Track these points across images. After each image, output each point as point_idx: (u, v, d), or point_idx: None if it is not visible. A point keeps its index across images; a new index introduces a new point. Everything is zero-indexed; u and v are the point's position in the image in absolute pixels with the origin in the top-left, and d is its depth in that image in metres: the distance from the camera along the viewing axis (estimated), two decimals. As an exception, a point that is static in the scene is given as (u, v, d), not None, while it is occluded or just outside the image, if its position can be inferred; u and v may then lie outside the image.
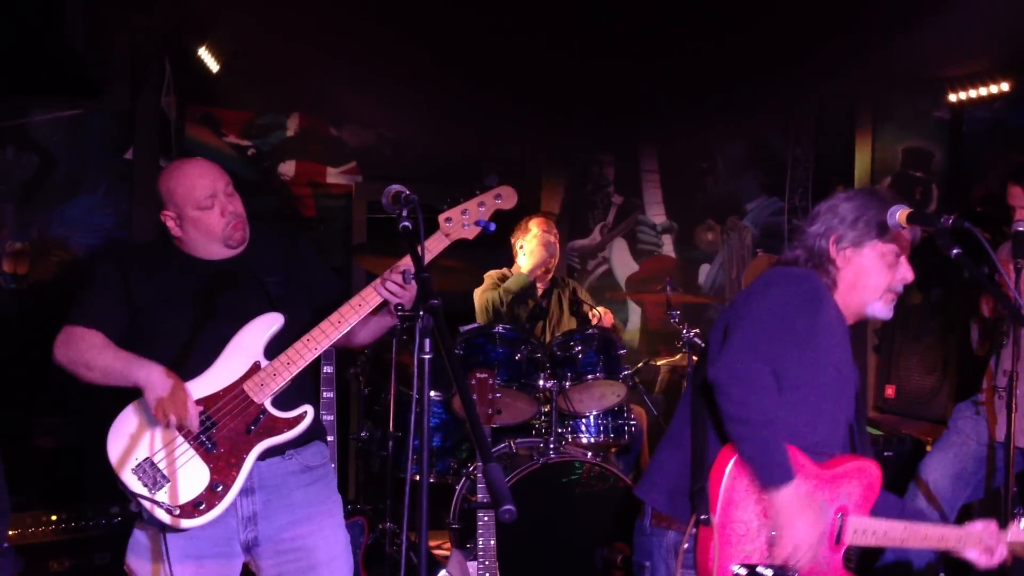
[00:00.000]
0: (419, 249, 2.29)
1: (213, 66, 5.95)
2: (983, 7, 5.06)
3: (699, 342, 4.77)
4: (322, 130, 6.75)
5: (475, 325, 4.71)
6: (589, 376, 4.49)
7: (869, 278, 2.62)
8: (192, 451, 2.66)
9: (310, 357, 2.75)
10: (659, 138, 7.21)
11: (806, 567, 2.44)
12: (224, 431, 2.69)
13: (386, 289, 2.71)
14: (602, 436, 4.66)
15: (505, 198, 2.85)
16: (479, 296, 5.22)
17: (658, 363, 5.92)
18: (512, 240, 5.38)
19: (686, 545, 2.47)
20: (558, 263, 5.44)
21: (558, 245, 5.37)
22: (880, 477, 2.62)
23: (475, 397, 3.80)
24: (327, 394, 3.93)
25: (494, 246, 5.00)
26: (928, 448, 4.39)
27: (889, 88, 6.46)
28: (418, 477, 2.13)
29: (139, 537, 2.78)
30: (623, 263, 7.23)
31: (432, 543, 4.90)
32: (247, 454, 2.70)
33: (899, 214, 2.57)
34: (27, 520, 4.04)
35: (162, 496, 2.62)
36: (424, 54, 5.57)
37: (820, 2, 5.15)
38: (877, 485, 2.61)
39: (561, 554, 4.12)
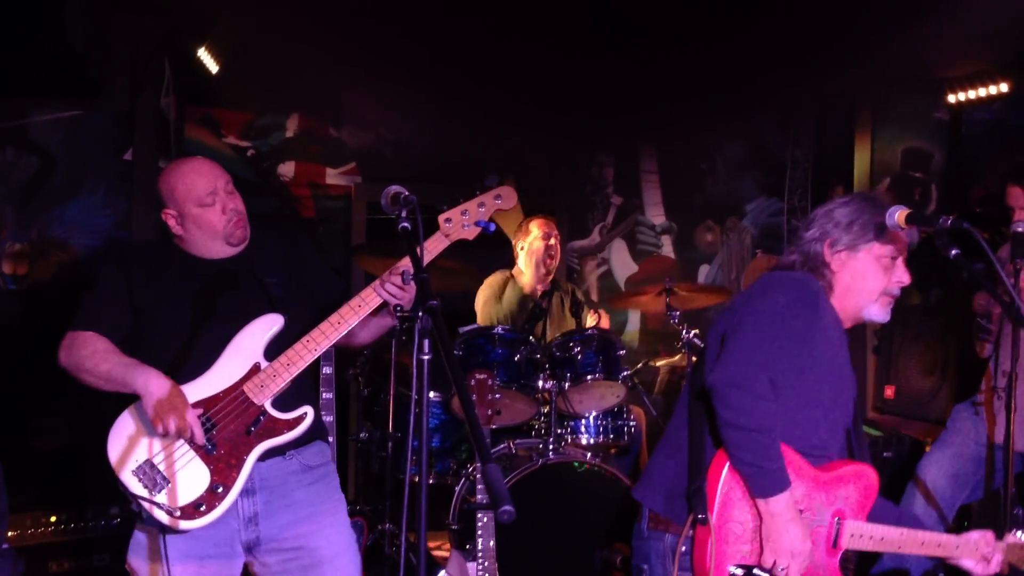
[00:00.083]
0: (418, 250, 2.30)
1: (213, 67, 5.95)
2: (982, 8, 5.07)
3: (698, 343, 4.77)
4: (321, 131, 6.75)
5: (474, 326, 4.71)
6: (588, 377, 4.49)
7: (865, 281, 2.62)
8: (192, 453, 2.66)
9: (310, 358, 2.74)
10: (658, 139, 7.21)
11: (799, 574, 2.44)
12: (224, 432, 2.69)
13: (385, 290, 2.71)
14: (601, 437, 4.66)
15: (505, 198, 2.85)
16: (481, 307, 5.23)
17: (657, 364, 5.92)
18: (513, 242, 5.38)
19: (683, 548, 2.47)
20: (558, 265, 5.44)
21: (559, 247, 5.38)
22: (877, 482, 2.62)
23: (474, 398, 3.80)
24: (326, 395, 3.93)
25: (494, 247, 5.00)
26: (927, 449, 4.39)
27: (888, 89, 6.47)
28: (417, 478, 2.13)
29: (140, 538, 2.78)
30: (622, 264, 7.24)
31: (431, 544, 4.90)
32: (247, 455, 2.69)
33: (898, 215, 2.58)
34: (26, 521, 4.04)
35: (162, 498, 2.62)
36: (423, 55, 5.57)
37: (820, 3, 5.15)
38: (874, 490, 2.61)
39: (560, 555, 4.12)
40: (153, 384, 2.64)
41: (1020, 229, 3.46)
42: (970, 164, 6.32)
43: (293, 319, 2.82)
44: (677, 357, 5.45)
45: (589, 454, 4.45)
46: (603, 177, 7.28)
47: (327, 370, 3.97)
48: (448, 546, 4.45)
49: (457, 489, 4.33)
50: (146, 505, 2.62)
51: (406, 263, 2.67)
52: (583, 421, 4.66)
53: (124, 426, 2.68)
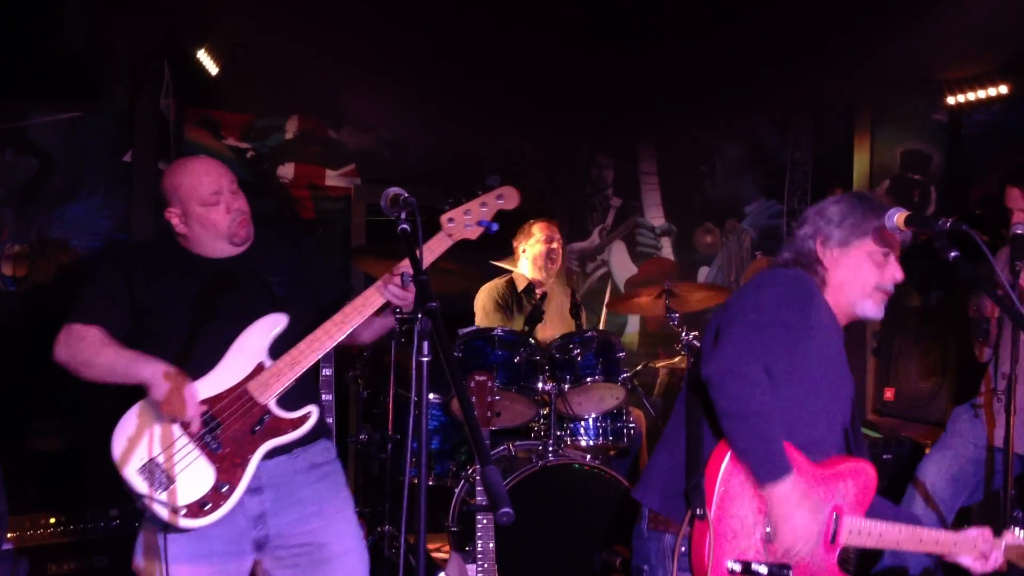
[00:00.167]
0: (417, 252, 2.30)
1: (212, 68, 5.95)
2: (982, 10, 5.07)
3: (697, 344, 4.77)
4: (321, 132, 6.75)
5: (474, 328, 4.71)
6: (588, 379, 4.48)
7: (857, 277, 2.64)
8: (197, 451, 2.66)
9: (314, 358, 2.74)
10: (658, 140, 7.21)
11: (806, 560, 2.45)
12: (229, 431, 2.69)
13: (388, 291, 2.71)
14: (601, 439, 4.66)
15: (507, 198, 2.85)
16: (480, 314, 5.23)
17: (657, 366, 5.92)
18: (514, 243, 5.38)
19: (683, 548, 2.47)
20: (558, 267, 5.45)
21: (561, 250, 5.38)
22: (875, 479, 2.63)
23: (474, 400, 3.80)
24: (326, 396, 3.93)
25: (494, 248, 5.00)
26: (927, 451, 4.39)
27: (888, 90, 6.47)
28: (416, 480, 2.13)
29: (147, 537, 2.77)
30: (622, 265, 7.24)
31: (431, 546, 4.90)
32: (252, 454, 2.70)
33: (897, 217, 2.59)
34: (26, 523, 4.03)
35: (167, 496, 2.61)
36: (423, 56, 5.58)
37: (819, 4, 5.15)
38: (872, 486, 2.61)
39: (560, 557, 4.12)
40: (160, 373, 2.63)
41: (1019, 231, 3.46)
42: (969, 166, 6.32)
43: (297, 318, 2.82)
44: (677, 359, 5.45)
45: (589, 456, 4.45)
46: (603, 179, 7.28)
47: (326, 372, 3.97)
48: (448, 548, 4.45)
49: (456, 491, 4.33)
50: (151, 504, 2.62)
51: (403, 264, 2.67)
52: (583, 423, 4.66)
53: (129, 425, 2.68)
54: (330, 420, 3.90)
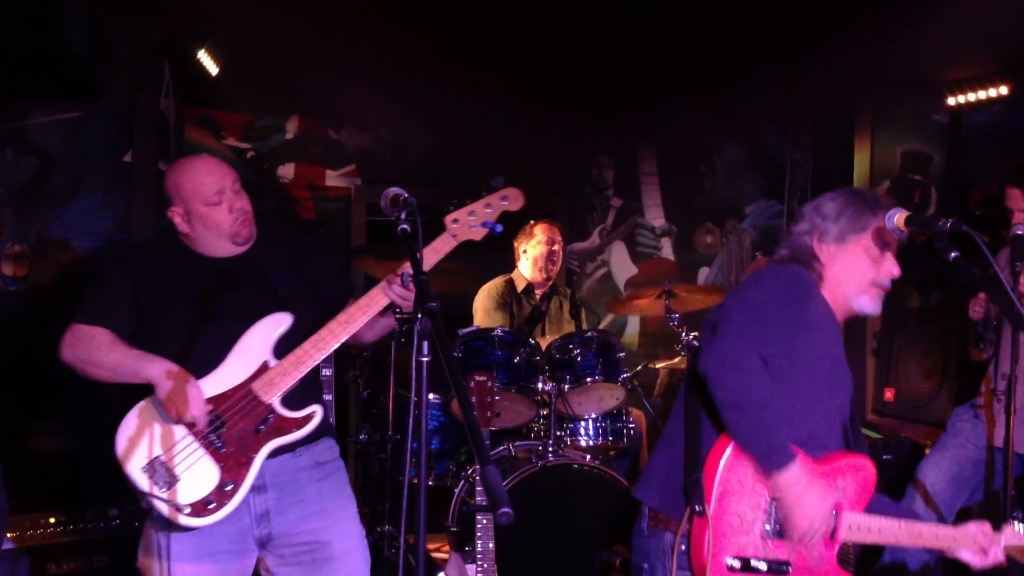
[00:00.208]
0: (417, 252, 2.30)
1: (212, 69, 5.95)
2: (982, 10, 5.07)
3: (697, 344, 4.77)
4: (321, 133, 6.76)
5: (474, 328, 4.71)
6: (588, 379, 4.48)
7: (854, 273, 2.64)
8: (202, 450, 2.66)
9: (319, 357, 2.75)
10: (658, 141, 7.21)
11: (805, 556, 2.46)
12: (233, 430, 2.69)
13: (393, 291, 2.71)
14: (601, 439, 4.66)
15: (512, 200, 2.85)
16: (480, 314, 5.23)
17: (657, 366, 5.92)
18: (515, 244, 5.38)
19: (683, 547, 2.47)
20: (559, 268, 5.45)
21: (562, 252, 5.38)
22: (875, 474, 2.63)
23: (474, 400, 3.80)
24: (326, 396, 3.92)
25: (495, 248, 5.00)
26: (927, 451, 4.39)
27: (888, 91, 6.47)
28: (416, 480, 2.13)
29: (151, 535, 2.77)
30: (622, 266, 7.24)
31: (431, 546, 4.90)
32: (256, 453, 2.70)
33: (897, 217, 2.60)
34: (26, 522, 4.03)
35: (172, 495, 2.61)
36: (423, 57, 5.58)
37: (819, 5, 5.16)
38: (871, 482, 2.62)
39: (560, 557, 4.12)
40: (166, 372, 2.64)
41: (1020, 232, 3.46)
42: (970, 167, 6.32)
43: (300, 318, 2.82)
44: (677, 360, 5.45)
45: (589, 456, 4.45)
46: (603, 179, 7.28)
47: (326, 372, 3.97)
48: (447, 548, 4.45)
49: (456, 491, 4.33)
50: (155, 502, 2.62)
51: (409, 266, 2.67)
52: (583, 423, 4.66)
53: (133, 423, 2.68)
54: (331, 420, 3.90)
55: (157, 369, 2.65)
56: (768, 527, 2.46)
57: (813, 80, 6.10)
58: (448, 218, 2.79)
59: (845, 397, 2.70)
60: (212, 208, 2.83)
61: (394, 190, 2.44)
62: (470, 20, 5.25)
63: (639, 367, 5.33)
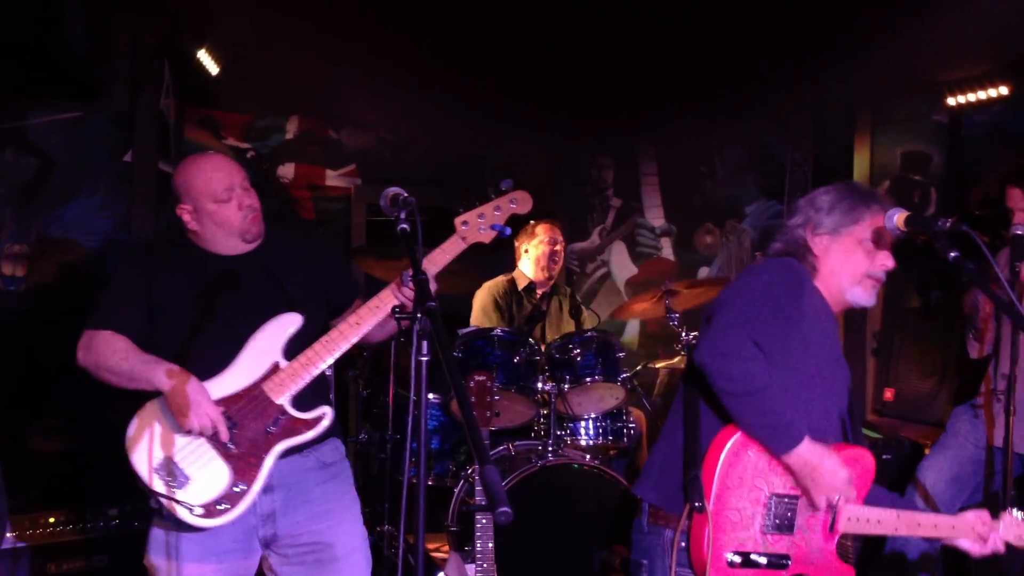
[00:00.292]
0: (417, 251, 2.30)
1: (212, 69, 5.95)
2: (982, 10, 5.07)
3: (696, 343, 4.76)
4: (321, 133, 6.76)
5: (474, 328, 4.71)
6: (588, 379, 4.48)
7: (847, 264, 2.65)
8: (213, 451, 2.67)
9: (329, 359, 2.76)
10: (658, 141, 7.21)
11: (804, 548, 2.47)
12: (244, 431, 2.70)
13: (403, 293, 2.71)
14: (601, 439, 4.66)
15: (520, 202, 2.88)
16: (478, 311, 5.23)
17: (657, 366, 5.92)
18: (516, 243, 5.38)
19: (682, 544, 2.47)
20: (560, 268, 5.45)
21: (563, 252, 5.39)
22: (873, 466, 2.63)
23: (474, 400, 3.80)
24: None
25: (496, 248, 4.99)
26: (927, 451, 4.39)
27: (888, 91, 6.46)
28: (416, 480, 2.13)
29: (159, 535, 2.78)
30: (622, 266, 7.24)
31: (430, 546, 4.89)
32: (267, 454, 2.71)
33: (897, 217, 2.60)
34: (25, 522, 4.03)
35: (184, 496, 2.62)
36: (423, 57, 5.58)
37: (819, 5, 5.15)
38: (871, 474, 2.62)
39: (560, 556, 4.12)
40: (177, 382, 2.65)
41: (1020, 232, 3.46)
42: (970, 167, 6.32)
43: (310, 318, 2.83)
44: (676, 359, 5.45)
45: (588, 456, 4.45)
46: (602, 179, 7.28)
47: (327, 372, 3.96)
48: (447, 548, 4.45)
49: (456, 491, 4.33)
50: (167, 503, 2.62)
51: (424, 267, 2.67)
52: (582, 423, 4.66)
53: (143, 424, 2.69)
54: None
55: (167, 377, 2.66)
56: (768, 522, 2.47)
57: (813, 80, 6.10)
58: (458, 220, 2.80)
59: (842, 389, 2.71)
60: (222, 205, 2.83)
61: (394, 190, 2.44)
62: (470, 20, 5.25)
63: (639, 367, 5.33)
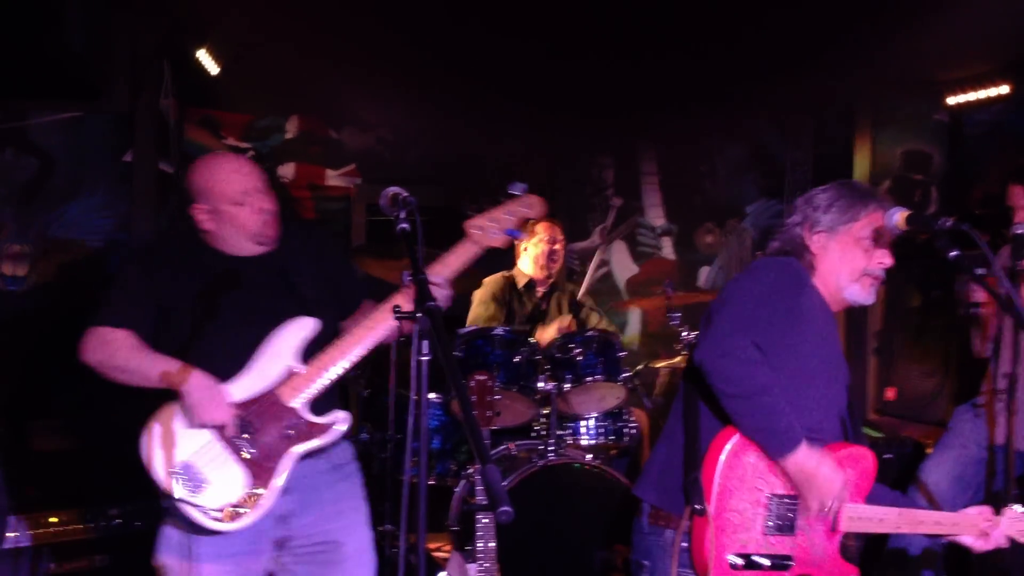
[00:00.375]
0: (417, 251, 2.30)
1: (213, 68, 5.95)
2: (982, 10, 5.07)
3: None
4: (321, 132, 6.76)
5: (474, 327, 4.71)
6: (588, 378, 4.48)
7: (845, 262, 2.65)
8: (230, 455, 2.67)
9: (345, 363, 2.75)
10: (658, 140, 7.21)
11: (808, 549, 2.47)
12: (261, 436, 2.70)
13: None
14: (602, 438, 4.65)
15: (533, 207, 2.87)
16: (476, 305, 5.22)
17: (658, 365, 5.92)
18: (515, 241, 5.37)
19: (684, 544, 2.47)
20: (559, 267, 5.45)
21: (563, 252, 5.38)
22: (874, 464, 2.63)
23: (474, 399, 3.80)
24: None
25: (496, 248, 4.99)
26: (928, 451, 4.39)
27: (888, 91, 6.47)
28: (417, 479, 2.13)
29: (170, 534, 2.77)
30: (623, 265, 7.24)
31: (431, 545, 4.89)
32: (284, 458, 2.71)
33: (898, 216, 2.60)
34: (26, 522, 4.03)
35: (201, 500, 2.62)
36: (423, 56, 5.58)
37: (819, 5, 5.15)
38: (871, 472, 2.62)
39: (561, 556, 4.11)
40: (193, 382, 2.64)
41: (1019, 231, 3.46)
42: (970, 166, 6.32)
43: (324, 321, 2.83)
44: (677, 359, 5.44)
45: (590, 455, 4.44)
46: (603, 179, 7.28)
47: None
48: (448, 547, 4.45)
49: (457, 490, 4.33)
50: (184, 507, 2.62)
51: (433, 271, 2.70)
52: (583, 422, 4.65)
53: (159, 427, 2.68)
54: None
55: (183, 377, 2.65)
56: (770, 523, 2.47)
57: (813, 80, 6.09)
58: (471, 224, 2.78)
59: (841, 388, 2.70)
60: (239, 208, 2.81)
61: (393, 189, 2.44)
62: (470, 20, 5.25)
63: (640, 366, 5.33)
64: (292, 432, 2.72)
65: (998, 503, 2.80)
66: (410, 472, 3.23)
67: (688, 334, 4.82)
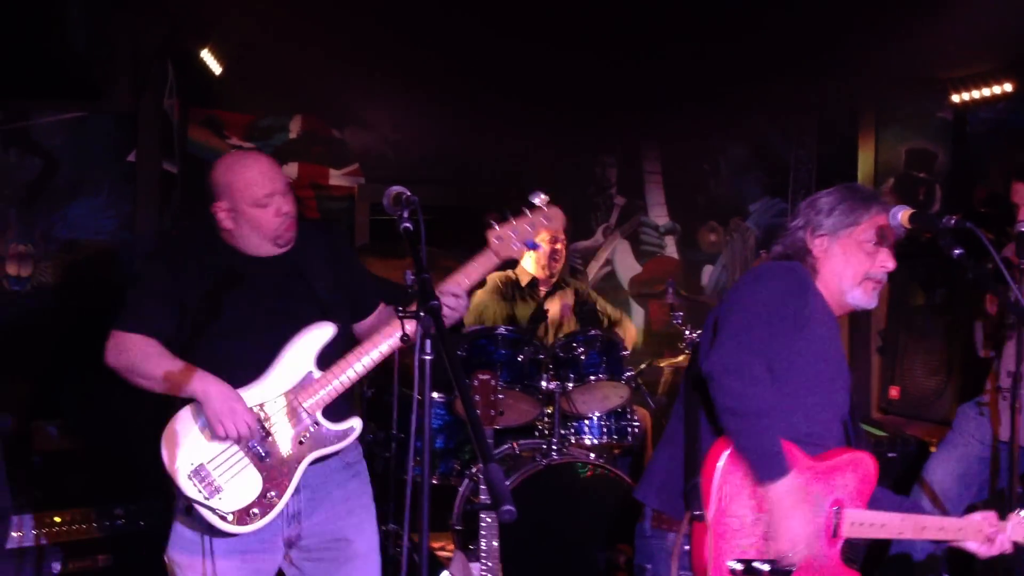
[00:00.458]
0: (420, 250, 2.30)
1: (216, 68, 5.95)
2: (986, 8, 5.06)
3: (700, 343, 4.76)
4: (324, 132, 6.76)
5: (478, 326, 4.71)
6: (592, 377, 4.48)
7: (847, 266, 2.65)
8: (246, 459, 2.69)
9: (361, 370, 2.76)
10: (661, 139, 7.21)
11: (803, 562, 2.44)
12: (277, 440, 2.72)
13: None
14: (605, 437, 4.66)
15: (553, 219, 2.86)
16: (476, 300, 5.22)
17: (661, 364, 5.92)
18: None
19: (685, 547, 2.47)
20: (561, 266, 5.45)
21: (564, 251, 5.38)
22: (876, 469, 2.62)
23: (477, 398, 3.80)
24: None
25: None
26: (932, 449, 4.38)
27: (892, 89, 6.45)
28: (420, 479, 2.13)
29: (182, 531, 2.80)
30: (626, 264, 7.23)
31: (435, 545, 4.90)
32: (299, 463, 2.74)
33: (902, 215, 2.60)
34: (30, 522, 4.04)
35: (216, 503, 2.65)
36: (426, 56, 5.58)
37: (823, 3, 5.14)
38: (873, 477, 2.61)
39: (564, 555, 4.11)
40: (213, 389, 2.65)
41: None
42: (974, 164, 6.30)
43: (340, 323, 2.84)
44: (681, 358, 5.44)
45: (593, 455, 4.44)
46: (606, 178, 7.28)
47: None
48: (452, 547, 4.45)
49: (461, 490, 4.33)
50: (200, 509, 2.65)
51: (455, 281, 2.72)
52: (587, 422, 4.66)
53: (177, 429, 2.69)
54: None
55: (203, 387, 2.66)
56: (769, 528, 2.45)
57: (817, 78, 6.08)
58: (492, 234, 2.78)
59: (844, 392, 2.70)
60: (261, 210, 2.81)
61: (396, 189, 2.44)
62: (473, 19, 5.25)
63: (643, 365, 5.33)
64: (307, 438, 2.74)
65: (1002, 501, 2.80)
66: (413, 471, 3.24)
67: (691, 333, 4.82)
